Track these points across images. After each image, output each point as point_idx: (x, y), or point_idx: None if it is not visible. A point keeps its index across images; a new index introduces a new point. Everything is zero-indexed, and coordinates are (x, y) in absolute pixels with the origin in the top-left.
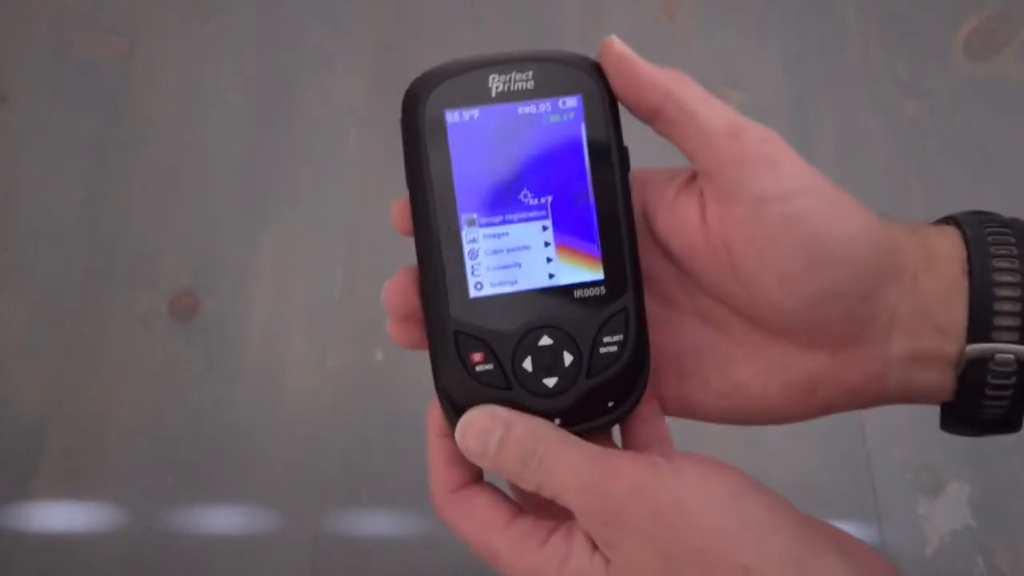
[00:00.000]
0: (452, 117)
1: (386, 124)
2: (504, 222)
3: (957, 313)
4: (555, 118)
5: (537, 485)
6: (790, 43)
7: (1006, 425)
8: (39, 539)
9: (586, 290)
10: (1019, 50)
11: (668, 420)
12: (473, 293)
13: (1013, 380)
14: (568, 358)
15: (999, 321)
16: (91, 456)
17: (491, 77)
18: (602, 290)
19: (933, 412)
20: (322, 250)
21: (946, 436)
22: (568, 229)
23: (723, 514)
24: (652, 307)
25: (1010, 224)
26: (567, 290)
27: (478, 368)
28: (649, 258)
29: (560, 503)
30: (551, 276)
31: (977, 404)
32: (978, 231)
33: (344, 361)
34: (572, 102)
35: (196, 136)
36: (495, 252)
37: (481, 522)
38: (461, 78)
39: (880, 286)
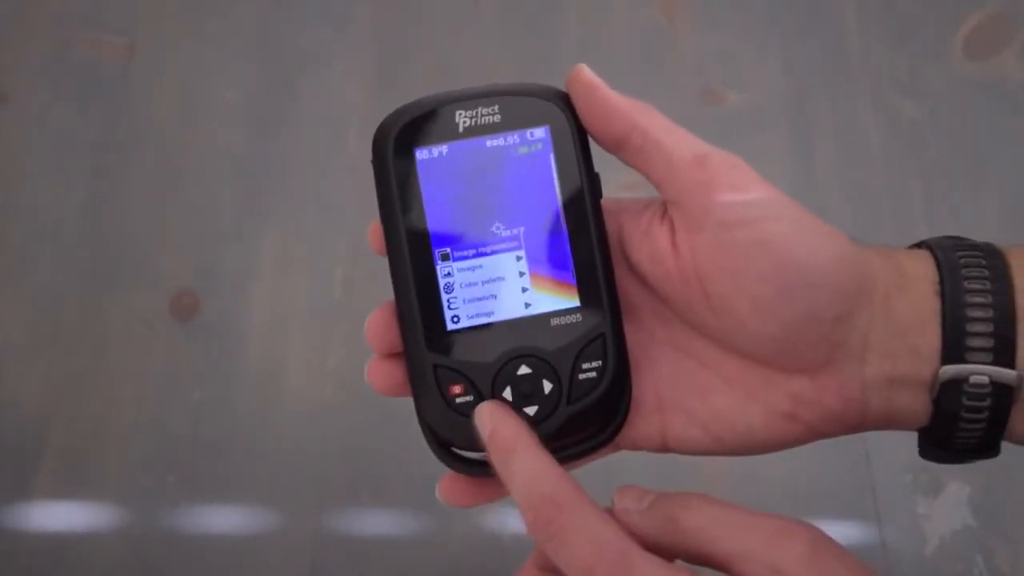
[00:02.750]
0: (421, 154)
1: None
2: (478, 255)
3: (930, 334)
4: (524, 150)
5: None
6: (790, 43)
7: (984, 450)
8: (40, 538)
9: (563, 318)
10: (1019, 50)
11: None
12: (450, 326)
13: (988, 402)
14: (547, 386)
15: (972, 342)
16: (91, 456)
17: (457, 113)
18: (579, 317)
19: None
20: (322, 250)
21: None
22: (542, 258)
23: None
24: (629, 338)
25: (981, 248)
26: (543, 319)
27: (458, 400)
28: (625, 286)
29: None
30: (527, 305)
31: (953, 428)
32: (949, 254)
33: (344, 361)
34: (540, 133)
35: (196, 136)
36: (470, 285)
37: None
38: (428, 115)
39: (853, 308)
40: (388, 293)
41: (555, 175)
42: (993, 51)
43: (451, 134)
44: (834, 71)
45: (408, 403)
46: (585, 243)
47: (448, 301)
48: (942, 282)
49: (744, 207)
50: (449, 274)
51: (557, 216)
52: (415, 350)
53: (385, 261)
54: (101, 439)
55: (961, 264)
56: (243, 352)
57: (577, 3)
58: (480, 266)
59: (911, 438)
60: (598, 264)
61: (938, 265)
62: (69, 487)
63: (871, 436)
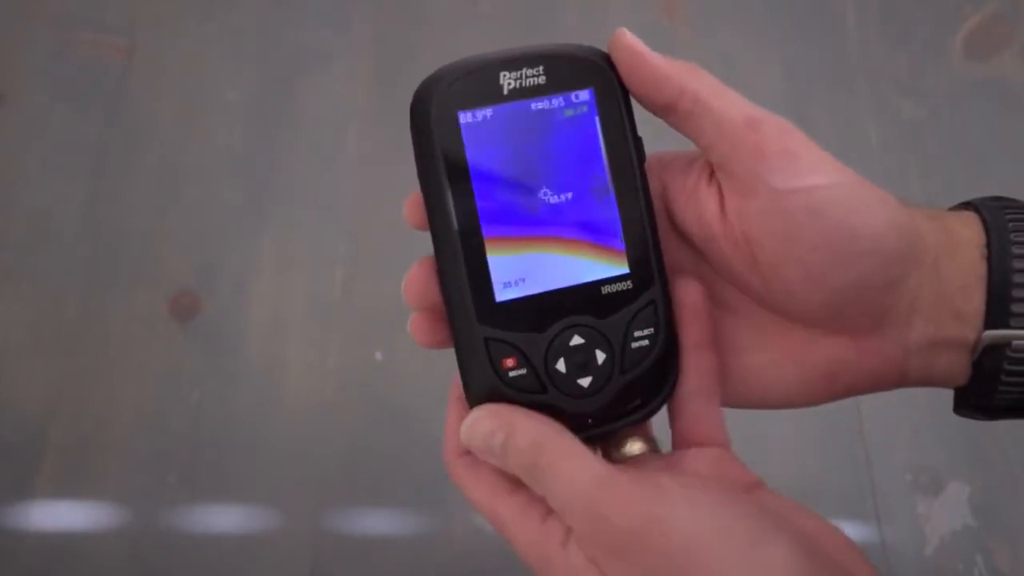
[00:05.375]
0: (465, 118)
1: (386, 123)
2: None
3: (976, 299)
4: (569, 113)
5: (543, 496)
6: (790, 43)
7: (1020, 410)
8: (40, 538)
9: (613, 285)
10: (1019, 50)
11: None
12: (499, 297)
13: None
14: (601, 356)
15: (1016, 308)
16: (92, 455)
17: (502, 75)
18: (629, 284)
19: (933, 412)
20: (322, 250)
21: (946, 436)
22: (590, 225)
23: (738, 563)
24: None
25: None
26: (594, 287)
27: (511, 374)
28: (667, 242)
29: (563, 520)
30: (577, 274)
31: (992, 390)
32: (998, 216)
33: (344, 361)
34: (585, 95)
35: (196, 136)
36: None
37: (489, 487)
38: (471, 78)
39: (904, 273)
40: (388, 291)
41: (601, 139)
42: (993, 51)
43: (496, 97)
44: (834, 71)
45: (407, 402)
46: (633, 208)
47: (496, 271)
48: (989, 245)
49: (798, 173)
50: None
51: (604, 181)
52: (464, 323)
53: (385, 262)
54: (101, 439)
55: (1010, 228)
56: (243, 352)
57: (577, 3)
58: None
59: (911, 438)
60: (646, 230)
61: (986, 228)
62: (69, 487)
63: (871, 436)
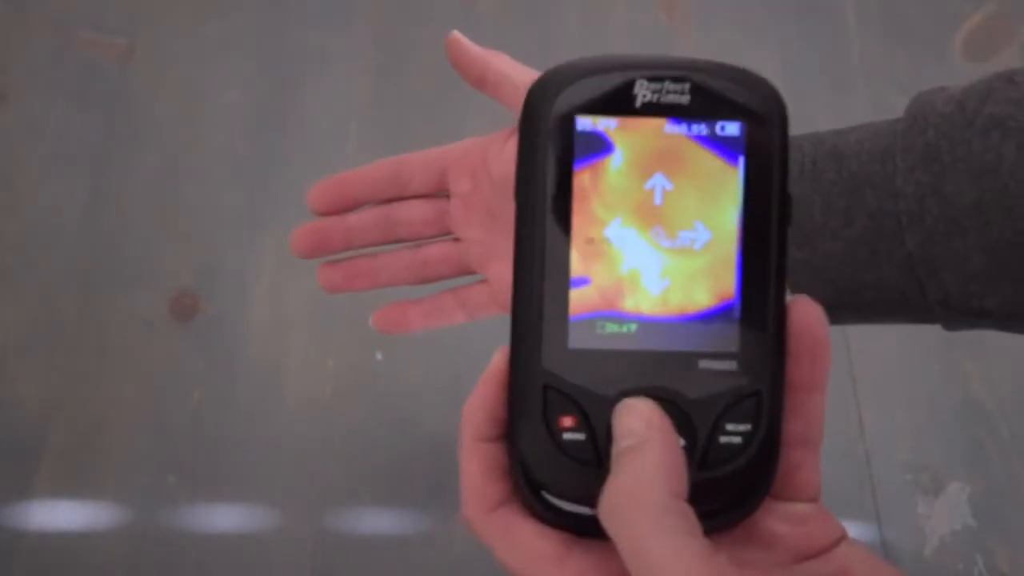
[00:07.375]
0: (583, 124)
1: (386, 123)
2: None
3: None
4: (709, 145)
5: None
6: (790, 43)
7: None
8: (40, 538)
9: (714, 361)
10: (1019, 50)
11: None
12: (573, 343)
13: None
14: (679, 441)
15: None
16: (92, 455)
17: (639, 83)
18: (734, 365)
19: (933, 412)
20: None
21: (946, 436)
22: (703, 283)
23: None
24: (487, 241)
25: None
26: (690, 357)
27: (566, 436)
28: (489, 197)
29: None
30: (672, 337)
31: None
32: None
33: (344, 361)
34: (734, 129)
35: (196, 136)
36: None
37: (528, 553)
38: (601, 78)
39: None
40: (388, 291)
41: (741, 184)
42: (993, 51)
43: (624, 107)
44: (834, 71)
45: (407, 402)
46: (760, 277)
47: (578, 313)
48: None
49: None
50: None
51: (733, 236)
52: (525, 362)
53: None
54: (101, 439)
55: None
56: (243, 352)
57: (577, 3)
58: None
59: (912, 438)
60: (771, 305)
61: None
62: (69, 487)
63: (871, 436)
